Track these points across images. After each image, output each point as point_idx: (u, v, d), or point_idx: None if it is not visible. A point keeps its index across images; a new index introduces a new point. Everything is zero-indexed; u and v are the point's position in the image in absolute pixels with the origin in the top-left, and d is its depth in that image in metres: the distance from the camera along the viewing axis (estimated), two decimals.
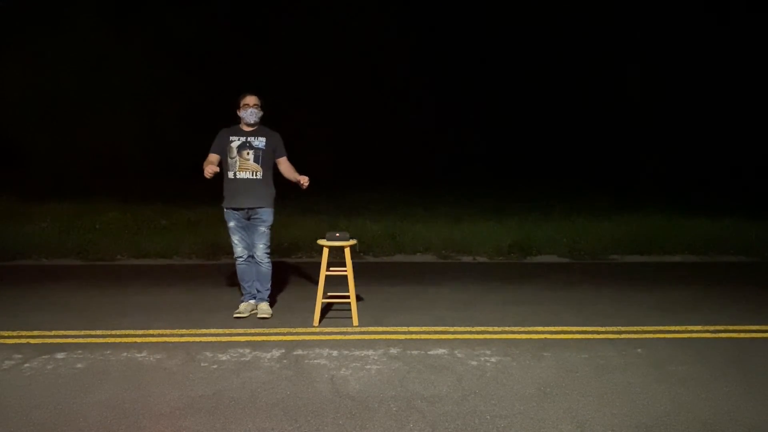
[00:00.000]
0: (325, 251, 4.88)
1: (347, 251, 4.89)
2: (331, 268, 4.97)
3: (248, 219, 4.98)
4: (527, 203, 11.36)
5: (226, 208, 4.97)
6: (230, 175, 4.90)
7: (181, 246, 7.96)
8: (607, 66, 15.51)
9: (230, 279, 6.62)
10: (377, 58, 15.24)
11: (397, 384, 3.63)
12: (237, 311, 5.07)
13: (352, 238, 4.95)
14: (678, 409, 3.33)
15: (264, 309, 5.07)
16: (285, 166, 5.05)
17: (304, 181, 4.94)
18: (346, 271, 4.90)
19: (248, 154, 4.88)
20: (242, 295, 5.21)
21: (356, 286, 5.01)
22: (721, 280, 6.76)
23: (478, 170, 14.99)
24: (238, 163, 4.87)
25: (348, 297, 4.91)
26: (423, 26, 15.82)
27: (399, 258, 7.99)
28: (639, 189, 13.56)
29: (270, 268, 5.09)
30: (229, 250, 7.81)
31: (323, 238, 4.93)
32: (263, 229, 4.98)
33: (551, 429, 3.08)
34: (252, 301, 5.16)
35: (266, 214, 4.96)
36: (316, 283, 4.92)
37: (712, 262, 7.94)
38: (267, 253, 5.03)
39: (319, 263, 4.93)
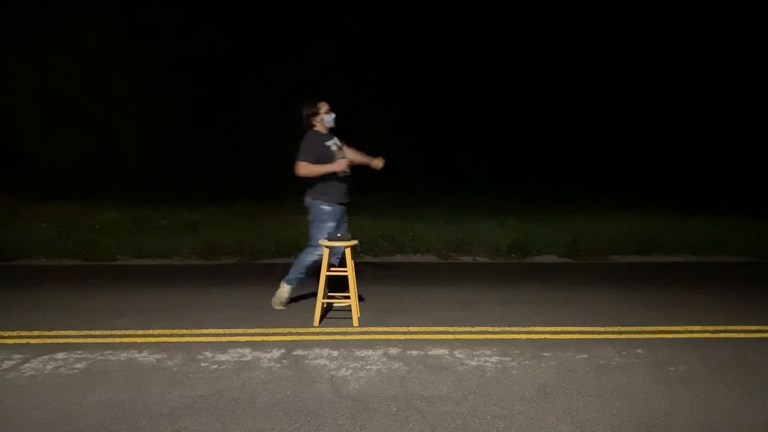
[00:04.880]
0: (326, 251, 4.88)
1: (348, 251, 4.90)
2: (331, 268, 4.98)
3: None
4: (527, 203, 11.34)
5: (335, 204, 5.09)
6: (340, 174, 5.08)
7: (181, 246, 7.95)
8: (606, 65, 15.50)
9: (230, 279, 6.63)
10: (378, 58, 15.23)
11: (397, 384, 3.63)
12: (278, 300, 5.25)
13: (352, 238, 4.95)
14: (678, 409, 3.33)
15: (280, 294, 5.21)
16: None
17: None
18: (346, 271, 4.90)
19: (342, 155, 5.18)
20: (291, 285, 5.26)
21: (356, 286, 5.02)
22: (721, 280, 6.77)
23: (478, 170, 14.98)
24: None
25: (348, 297, 4.92)
26: (422, 25, 15.81)
27: (399, 258, 7.99)
28: (639, 189, 13.54)
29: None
30: (228, 250, 7.90)
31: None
32: (344, 220, 5.26)
33: (551, 429, 3.08)
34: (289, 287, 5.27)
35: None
36: (316, 283, 4.93)
37: (712, 262, 7.94)
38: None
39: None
